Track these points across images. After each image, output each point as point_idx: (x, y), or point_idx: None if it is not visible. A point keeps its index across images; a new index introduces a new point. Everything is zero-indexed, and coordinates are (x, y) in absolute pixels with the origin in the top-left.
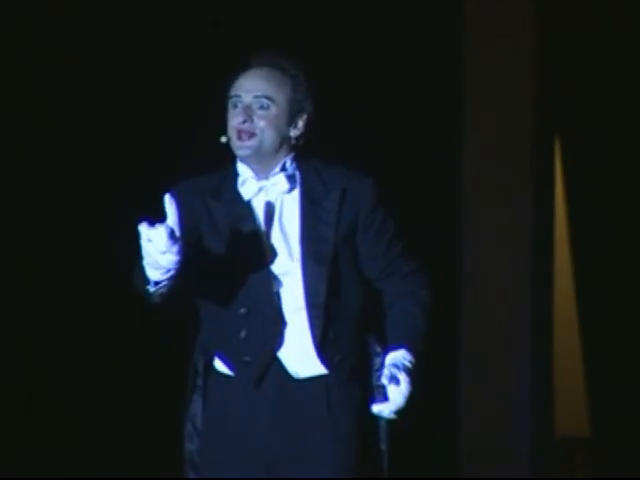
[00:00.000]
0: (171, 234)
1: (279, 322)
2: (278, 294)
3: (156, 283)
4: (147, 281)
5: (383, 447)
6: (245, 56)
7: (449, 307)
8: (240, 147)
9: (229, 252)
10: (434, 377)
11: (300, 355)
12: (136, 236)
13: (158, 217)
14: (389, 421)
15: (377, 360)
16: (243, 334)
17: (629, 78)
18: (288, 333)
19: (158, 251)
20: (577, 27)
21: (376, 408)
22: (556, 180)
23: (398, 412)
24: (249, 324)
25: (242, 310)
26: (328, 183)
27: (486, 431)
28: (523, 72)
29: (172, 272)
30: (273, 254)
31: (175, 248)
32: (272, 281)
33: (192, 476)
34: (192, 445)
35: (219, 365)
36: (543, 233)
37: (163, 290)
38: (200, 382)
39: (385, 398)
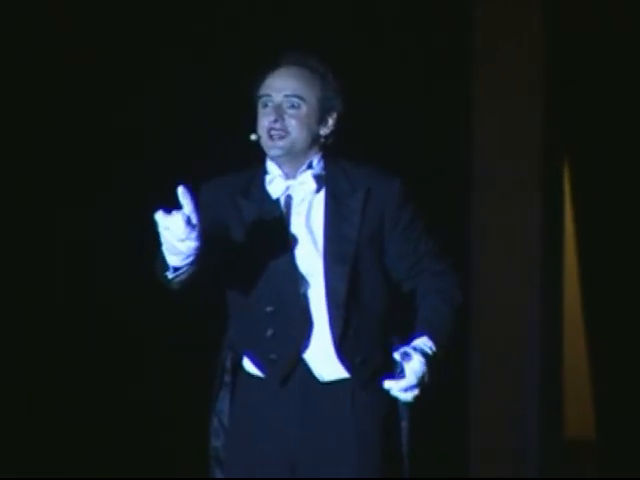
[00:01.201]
0: (188, 221)
1: (305, 322)
2: (305, 294)
3: (175, 269)
4: (166, 267)
5: (404, 450)
6: (273, 55)
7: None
8: (272, 147)
9: (257, 250)
10: (442, 377)
11: (323, 357)
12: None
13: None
14: (411, 424)
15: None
16: (270, 332)
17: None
18: (314, 334)
19: (176, 238)
20: (586, 42)
21: (387, 384)
22: (565, 179)
23: (411, 395)
24: (276, 322)
25: (269, 308)
26: (354, 183)
27: (494, 431)
28: (532, 81)
29: (191, 258)
30: (300, 253)
31: (193, 234)
32: (298, 280)
33: (217, 472)
34: (218, 441)
35: (247, 363)
36: (553, 233)
37: (183, 276)
38: (228, 379)
39: (399, 377)
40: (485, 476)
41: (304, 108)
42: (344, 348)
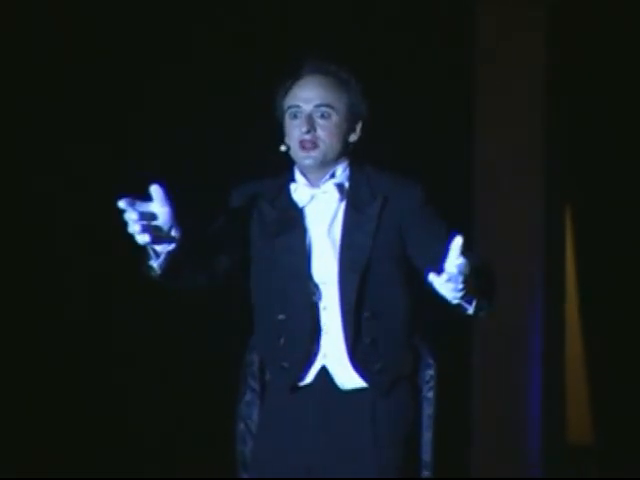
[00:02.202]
0: (141, 217)
1: (314, 331)
2: (316, 303)
3: (157, 256)
4: (149, 256)
5: (426, 461)
6: (293, 64)
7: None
8: (305, 157)
9: (273, 257)
10: (445, 380)
11: (341, 366)
12: None
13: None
14: (434, 435)
15: (428, 372)
16: (282, 341)
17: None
18: (331, 344)
19: (131, 229)
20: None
21: (430, 276)
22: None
23: (456, 289)
24: (287, 330)
25: (281, 316)
26: (375, 190)
27: (497, 434)
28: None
29: (171, 246)
30: (318, 262)
31: (147, 237)
32: (311, 289)
33: (244, 476)
34: (244, 446)
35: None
36: (555, 235)
37: (164, 263)
38: (255, 385)
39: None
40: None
41: (334, 117)
42: (358, 356)
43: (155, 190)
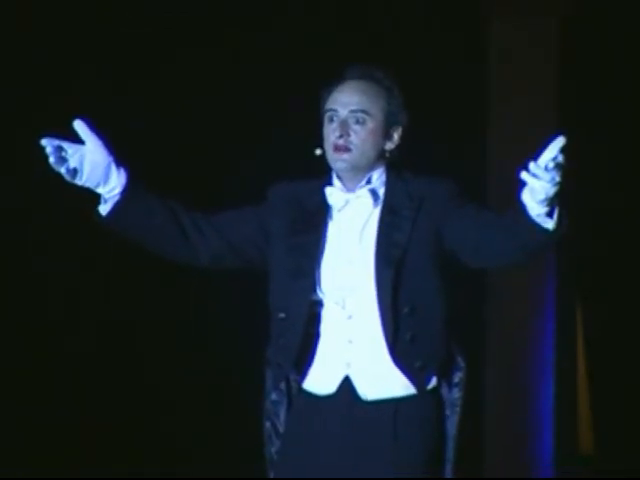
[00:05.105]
0: (56, 150)
1: (310, 334)
2: (320, 303)
3: (105, 201)
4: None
5: (449, 468)
6: (340, 69)
7: (472, 319)
8: (337, 160)
9: (284, 256)
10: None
11: (372, 370)
12: None
13: None
14: (456, 444)
15: (458, 374)
16: (282, 341)
17: None
18: (357, 352)
19: (53, 160)
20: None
21: (524, 173)
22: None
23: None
24: (286, 330)
25: (281, 315)
26: (412, 194)
27: (509, 445)
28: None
29: (115, 191)
30: (348, 268)
31: (62, 167)
32: (311, 290)
33: (272, 475)
34: (272, 447)
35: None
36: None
37: (111, 209)
38: (283, 386)
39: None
40: None
41: (370, 123)
42: (401, 351)
43: (78, 124)
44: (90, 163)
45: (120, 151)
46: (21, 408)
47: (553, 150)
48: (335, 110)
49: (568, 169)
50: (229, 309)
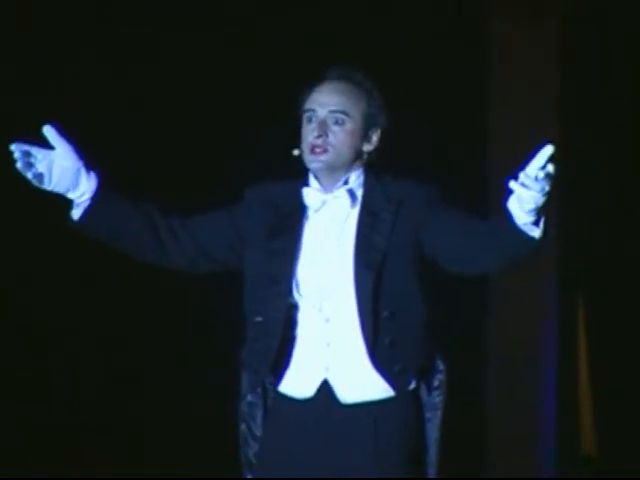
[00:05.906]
0: (24, 155)
1: (287, 338)
2: (295, 306)
3: (77, 206)
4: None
5: (432, 472)
6: (319, 70)
7: (475, 322)
8: (313, 160)
9: (262, 259)
10: (459, 391)
11: (351, 374)
12: None
13: None
14: (439, 447)
15: (438, 377)
16: (258, 345)
17: None
18: (335, 356)
19: (20, 165)
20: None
21: (513, 183)
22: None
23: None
24: (262, 334)
25: (258, 318)
26: (391, 196)
27: (510, 446)
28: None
29: (85, 197)
30: (327, 269)
31: (29, 172)
32: (288, 293)
33: (249, 476)
34: (249, 449)
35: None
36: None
37: (83, 214)
38: (259, 389)
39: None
40: None
41: (348, 124)
42: (380, 355)
43: (47, 130)
44: (59, 168)
45: (119, 151)
46: (21, 408)
47: (541, 159)
48: (314, 110)
49: (563, 174)
50: (205, 310)
